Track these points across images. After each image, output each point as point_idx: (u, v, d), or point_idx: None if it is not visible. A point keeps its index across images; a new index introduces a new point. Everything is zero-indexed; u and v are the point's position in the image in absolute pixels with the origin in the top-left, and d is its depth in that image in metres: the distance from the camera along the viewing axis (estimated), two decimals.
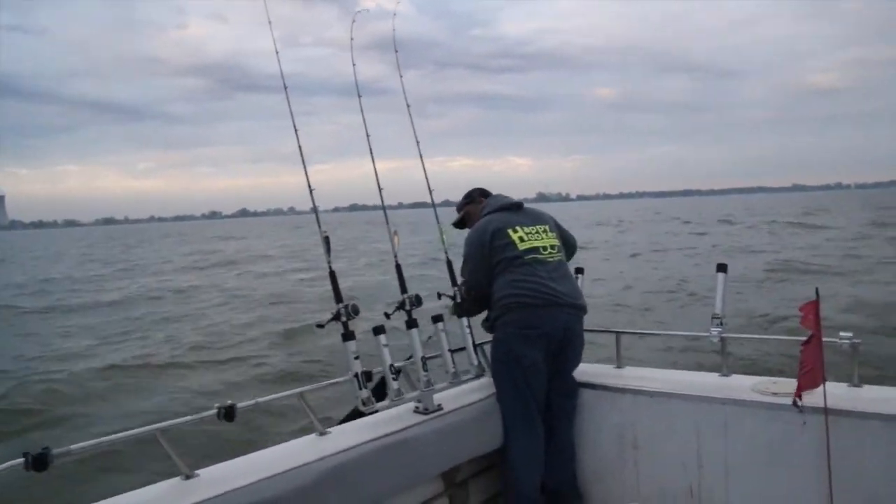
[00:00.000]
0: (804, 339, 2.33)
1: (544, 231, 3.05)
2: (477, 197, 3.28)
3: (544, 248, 2.97)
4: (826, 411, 2.28)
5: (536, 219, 3.10)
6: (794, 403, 2.35)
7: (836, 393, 2.36)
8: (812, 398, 2.35)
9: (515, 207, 3.14)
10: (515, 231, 2.98)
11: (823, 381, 2.31)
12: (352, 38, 3.00)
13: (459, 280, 3.03)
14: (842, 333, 2.48)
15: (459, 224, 3.32)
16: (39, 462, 1.74)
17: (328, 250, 2.57)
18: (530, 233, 3.00)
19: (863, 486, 2.30)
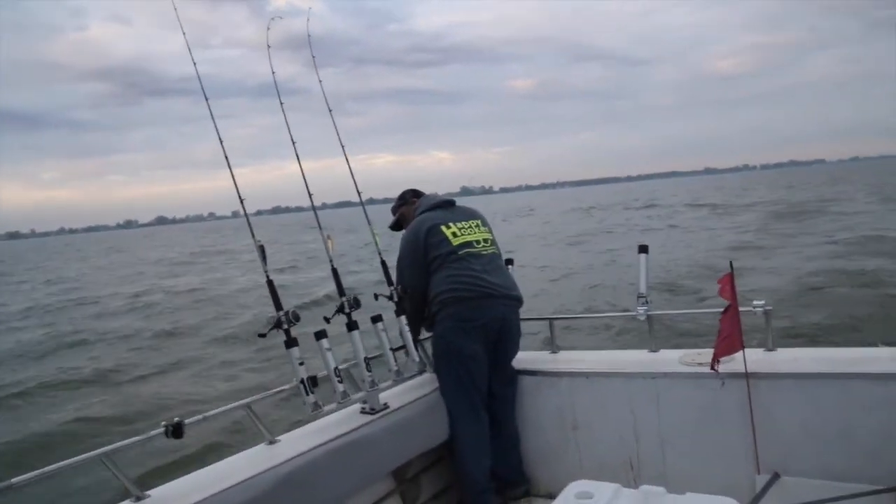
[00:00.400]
0: (722, 310, 2.50)
1: (476, 226, 3.12)
2: (410, 198, 3.33)
3: (477, 242, 3.04)
4: (747, 375, 2.46)
5: (469, 215, 3.17)
6: (712, 368, 2.53)
7: (753, 358, 2.54)
8: (733, 364, 2.53)
9: (447, 205, 3.20)
10: (448, 227, 3.04)
11: (742, 347, 2.48)
12: (269, 46, 2.99)
13: (395, 280, 3.07)
14: (755, 302, 2.66)
15: (395, 226, 3.36)
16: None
17: (264, 259, 2.55)
18: (463, 228, 3.06)
19: (782, 440, 2.48)
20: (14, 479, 1.80)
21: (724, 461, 2.60)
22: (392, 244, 3.22)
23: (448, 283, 2.93)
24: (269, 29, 2.99)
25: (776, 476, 2.46)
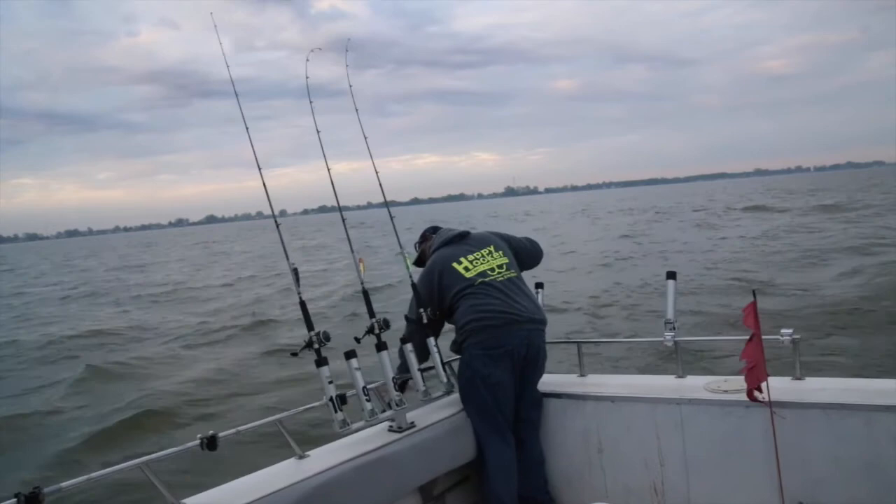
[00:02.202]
0: (748, 337, 2.49)
1: (489, 253, 3.15)
2: (429, 235, 3.40)
3: (492, 270, 3.07)
4: (770, 404, 2.45)
5: (480, 243, 3.21)
6: (751, 398, 2.51)
7: (779, 386, 2.53)
8: (759, 393, 2.51)
9: (460, 238, 3.25)
10: (460, 263, 3.09)
11: (766, 375, 2.48)
12: (307, 77, 3.09)
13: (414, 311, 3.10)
14: (783, 330, 2.65)
15: (419, 262, 3.43)
16: (32, 502, 1.79)
17: (297, 281, 2.66)
18: (475, 259, 3.10)
19: (808, 472, 2.47)
20: (63, 484, 1.92)
21: (748, 490, 2.60)
22: None
23: (472, 313, 2.97)
24: (308, 60, 3.10)
25: None
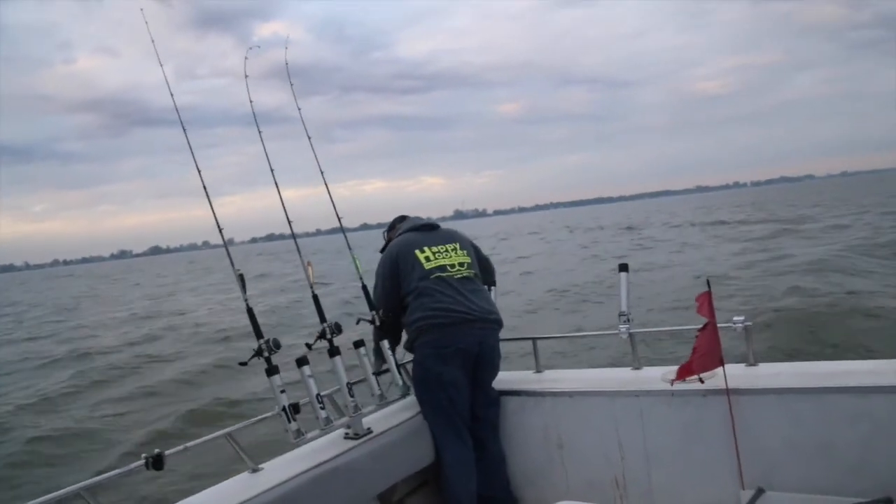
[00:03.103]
0: (702, 327, 2.50)
1: (453, 249, 3.12)
2: (396, 224, 3.35)
3: (451, 266, 3.04)
4: (728, 391, 2.46)
5: (447, 238, 3.18)
6: (672, 382, 2.53)
7: (735, 373, 2.54)
8: (715, 380, 2.53)
9: (427, 228, 3.21)
10: (423, 251, 3.04)
11: (722, 363, 2.49)
12: (246, 76, 3.04)
13: (374, 304, 3.07)
14: (735, 318, 2.68)
15: (385, 251, 3.34)
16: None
17: (244, 287, 2.57)
18: (437, 252, 3.06)
19: (766, 457, 2.48)
20: None
21: (708, 477, 2.60)
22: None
23: (423, 310, 2.93)
24: (246, 58, 3.05)
25: (760, 491, 2.45)
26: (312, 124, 3.30)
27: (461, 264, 3.09)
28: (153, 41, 2.81)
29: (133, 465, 2.16)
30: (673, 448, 2.69)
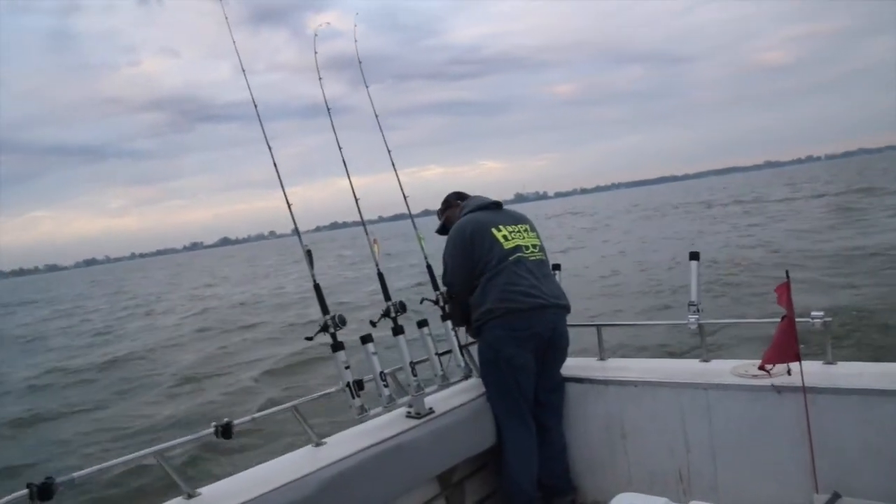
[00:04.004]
0: (778, 319, 2.40)
1: (525, 230, 3.05)
2: (454, 201, 3.29)
3: (526, 248, 2.98)
4: (804, 389, 2.35)
5: (517, 219, 3.11)
6: (761, 369, 2.45)
7: (811, 371, 2.43)
8: (790, 377, 2.44)
9: (495, 207, 3.14)
10: (499, 230, 2.98)
11: (799, 359, 2.38)
12: (315, 52, 3.02)
13: (441, 283, 3.05)
14: (814, 313, 2.54)
15: (442, 230, 3.31)
16: (44, 492, 1.75)
17: (311, 263, 2.60)
18: (513, 231, 3.00)
19: (842, 460, 2.37)
20: (75, 474, 1.88)
21: (779, 478, 2.51)
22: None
23: (500, 293, 2.86)
24: (315, 35, 3.05)
25: (836, 496, 2.33)
26: (369, 113, 3.32)
27: (534, 246, 3.03)
28: (234, 42, 2.85)
29: (203, 433, 2.22)
30: (741, 444, 2.61)
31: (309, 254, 2.60)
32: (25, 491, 1.75)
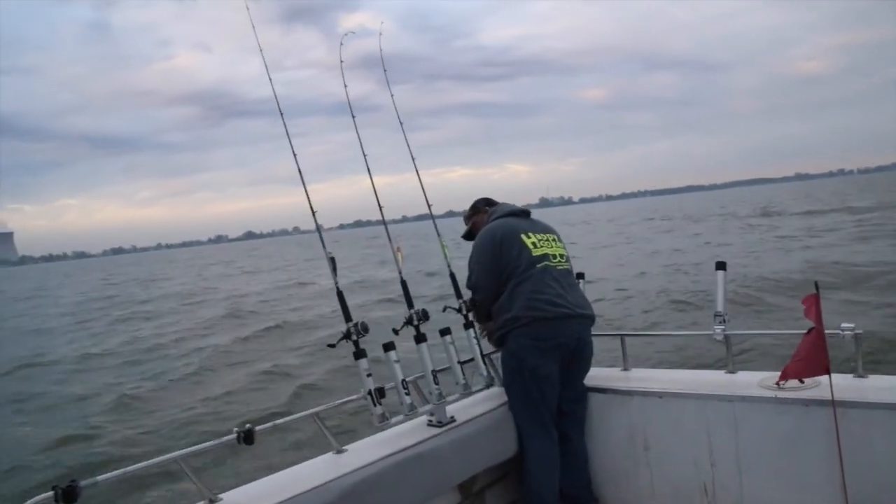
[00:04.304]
0: (805, 331, 2.36)
1: (553, 240, 3.05)
2: (482, 207, 3.28)
3: (554, 257, 2.97)
4: (833, 403, 2.30)
5: (545, 228, 3.11)
6: (777, 384, 2.44)
7: (841, 384, 2.38)
8: (818, 391, 2.39)
9: (523, 214, 3.14)
10: (528, 237, 2.97)
11: (829, 372, 2.33)
12: (341, 61, 3.04)
13: (468, 287, 3.03)
14: (844, 325, 2.49)
15: (468, 236, 3.30)
16: (69, 495, 1.77)
17: (334, 270, 2.61)
18: (541, 239, 3.00)
19: (874, 475, 2.31)
20: (99, 477, 1.90)
21: (807, 493, 2.46)
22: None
23: (527, 300, 2.85)
24: (341, 44, 3.06)
25: None
26: (395, 110, 3.33)
27: (561, 256, 3.02)
28: (259, 45, 2.87)
29: (225, 439, 2.23)
30: (768, 458, 2.56)
31: (332, 261, 2.60)
32: (50, 493, 1.78)
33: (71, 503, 1.78)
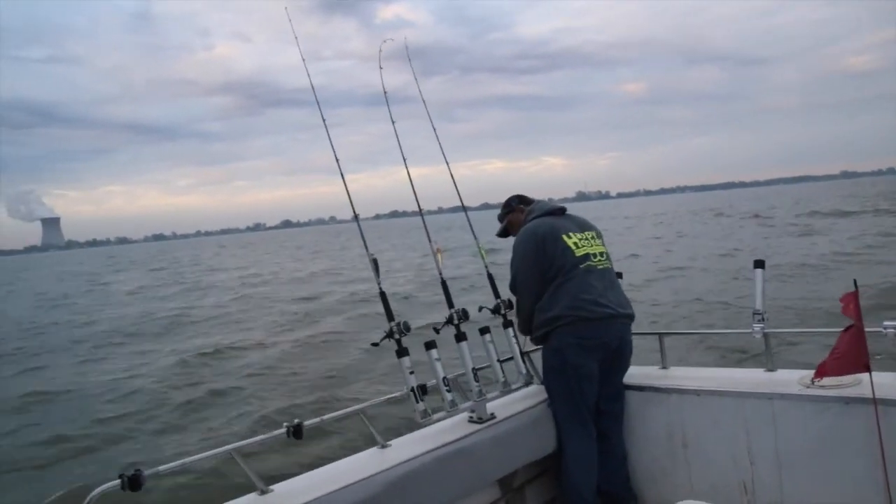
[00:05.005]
0: (844, 328, 2.34)
1: (592, 237, 3.04)
2: (516, 205, 3.26)
3: (595, 256, 2.97)
4: (875, 401, 2.30)
5: (584, 225, 3.09)
6: (812, 381, 2.42)
7: (883, 382, 2.37)
8: (860, 388, 2.39)
9: (561, 212, 3.13)
10: (570, 237, 2.97)
11: (869, 370, 2.32)
12: (381, 67, 3.13)
13: (510, 289, 3.06)
14: (886, 322, 2.47)
15: (503, 234, 3.31)
16: (134, 482, 1.90)
17: (377, 271, 2.69)
18: (582, 239, 2.99)
19: None
20: (161, 467, 2.02)
21: (849, 492, 2.45)
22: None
23: (572, 300, 2.86)
24: (380, 51, 3.13)
25: None
26: (433, 104, 3.37)
27: (602, 254, 3.02)
28: (296, 38, 3.01)
29: (276, 433, 2.32)
30: (808, 456, 2.56)
31: (375, 262, 2.70)
32: (118, 481, 1.90)
33: (136, 490, 1.90)
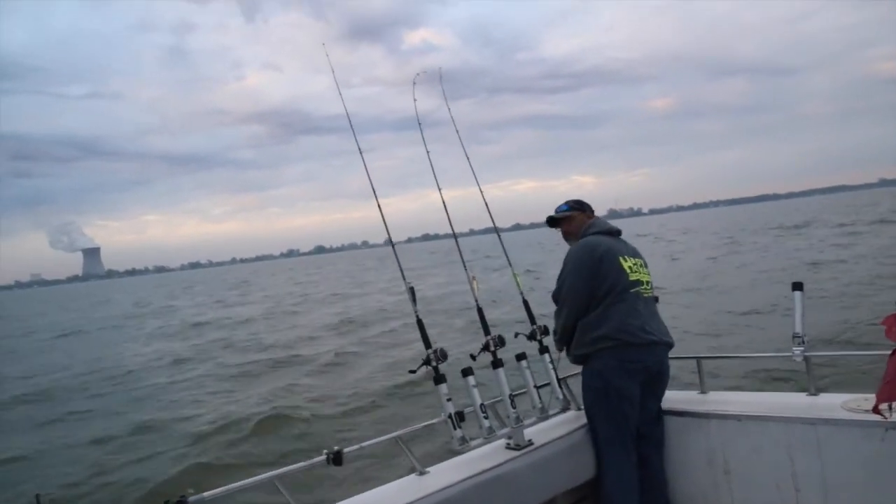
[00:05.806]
0: (889, 351, 2.31)
1: (641, 265, 3.06)
2: (588, 209, 3.25)
3: (642, 283, 2.99)
4: None
5: (634, 251, 3.12)
6: (875, 411, 2.34)
7: None
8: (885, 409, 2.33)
9: (616, 234, 3.15)
10: (625, 260, 2.98)
11: None
12: (415, 99, 3.22)
13: (553, 298, 3.06)
14: None
15: (553, 222, 3.26)
16: None
17: (414, 300, 2.73)
18: (635, 264, 3.01)
19: None
20: (206, 494, 2.05)
21: None
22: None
23: (620, 323, 2.86)
24: (414, 83, 3.21)
25: None
26: (462, 126, 3.41)
27: (648, 283, 3.04)
28: (331, 66, 3.07)
29: (316, 460, 2.35)
30: (855, 483, 2.50)
31: (412, 290, 2.73)
32: None
33: None
